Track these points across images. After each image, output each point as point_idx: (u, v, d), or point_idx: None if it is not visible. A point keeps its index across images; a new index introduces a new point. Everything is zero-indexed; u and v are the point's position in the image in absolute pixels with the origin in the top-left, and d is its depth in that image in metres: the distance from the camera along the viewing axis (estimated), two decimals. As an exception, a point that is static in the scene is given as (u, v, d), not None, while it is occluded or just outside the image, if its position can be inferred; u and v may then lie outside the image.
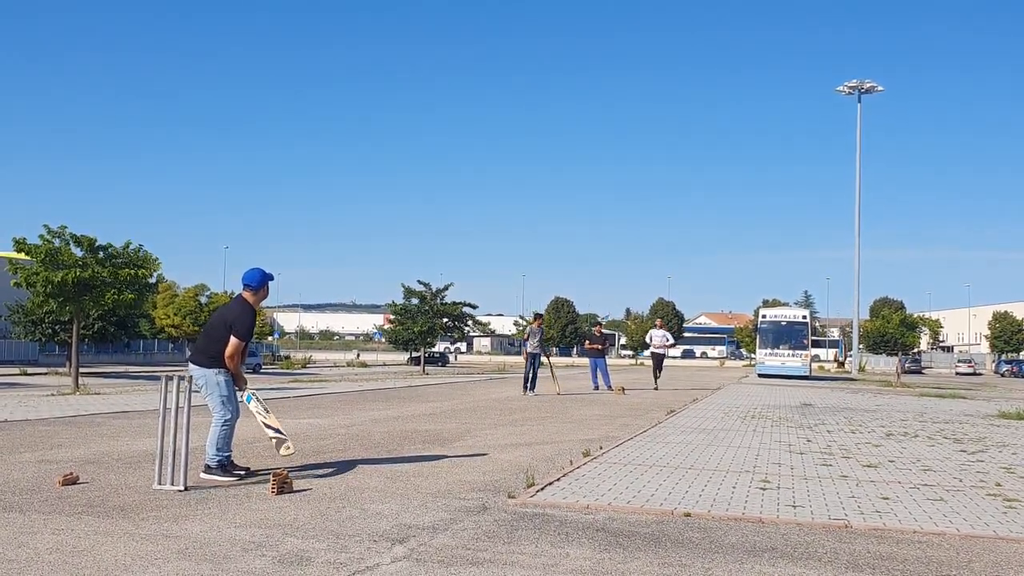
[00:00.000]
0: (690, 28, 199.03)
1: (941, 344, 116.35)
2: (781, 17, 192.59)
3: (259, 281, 7.23)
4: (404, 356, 70.96)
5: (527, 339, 19.73)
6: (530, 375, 19.41)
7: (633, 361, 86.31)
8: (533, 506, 6.09)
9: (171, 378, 6.72)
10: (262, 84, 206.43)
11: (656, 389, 22.60)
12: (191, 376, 6.99)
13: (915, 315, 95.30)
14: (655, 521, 5.72)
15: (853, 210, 56.18)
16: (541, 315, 20.71)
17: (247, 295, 7.18)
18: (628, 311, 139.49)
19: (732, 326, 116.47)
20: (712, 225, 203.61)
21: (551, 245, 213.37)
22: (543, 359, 19.93)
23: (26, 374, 36.18)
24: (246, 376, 7.37)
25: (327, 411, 14.24)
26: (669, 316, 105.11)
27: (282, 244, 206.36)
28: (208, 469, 7.01)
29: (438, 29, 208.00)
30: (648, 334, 25.07)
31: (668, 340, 24.25)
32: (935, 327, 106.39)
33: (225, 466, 7.03)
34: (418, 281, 47.96)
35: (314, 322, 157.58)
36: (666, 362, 25.64)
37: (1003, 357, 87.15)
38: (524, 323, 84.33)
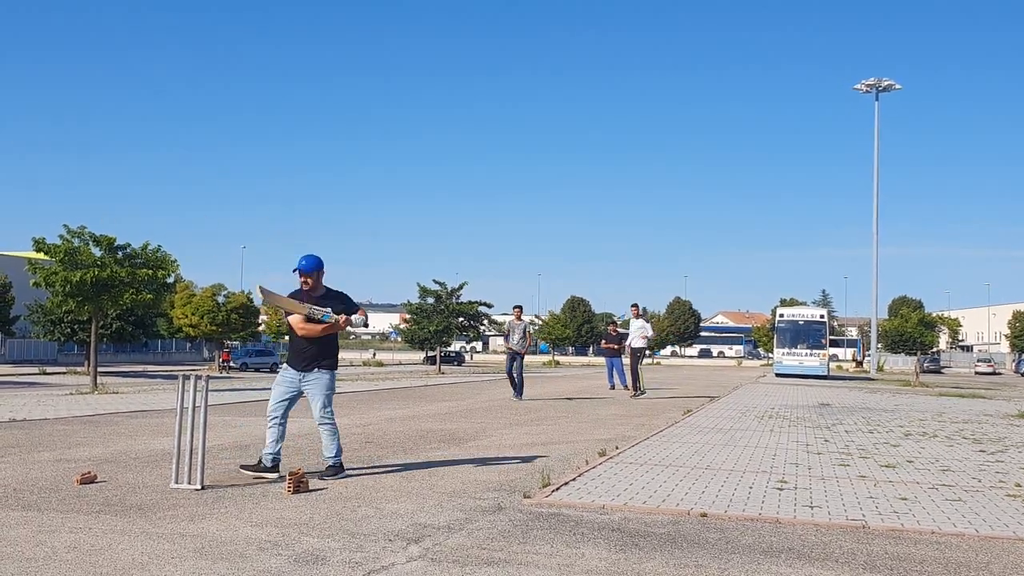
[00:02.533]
0: (707, 26, 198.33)
1: (960, 343, 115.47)
2: (799, 15, 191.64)
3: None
4: (420, 355, 71.18)
5: (509, 334, 17.49)
6: (515, 377, 17.23)
7: (649, 360, 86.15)
8: (548, 506, 6.08)
9: (188, 377, 6.76)
10: (279, 83, 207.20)
11: (640, 393, 19.02)
12: (207, 376, 7.03)
13: (934, 314, 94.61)
14: (671, 521, 5.70)
15: (871, 208, 56.02)
16: (520, 307, 18.09)
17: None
18: (644, 310, 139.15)
19: (749, 325, 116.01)
20: (729, 224, 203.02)
21: (567, 244, 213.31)
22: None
23: (45, 373, 36.49)
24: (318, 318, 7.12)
25: (343, 410, 14.28)
26: (686, 315, 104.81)
27: (299, 244, 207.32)
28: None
29: (458, 27, 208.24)
30: (629, 325, 20.28)
31: (647, 332, 19.65)
32: (954, 326, 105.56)
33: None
34: (434, 280, 48.03)
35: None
36: (683, 361, 23.21)
37: (1023, 356, 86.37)
38: (540, 322, 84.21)
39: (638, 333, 19.32)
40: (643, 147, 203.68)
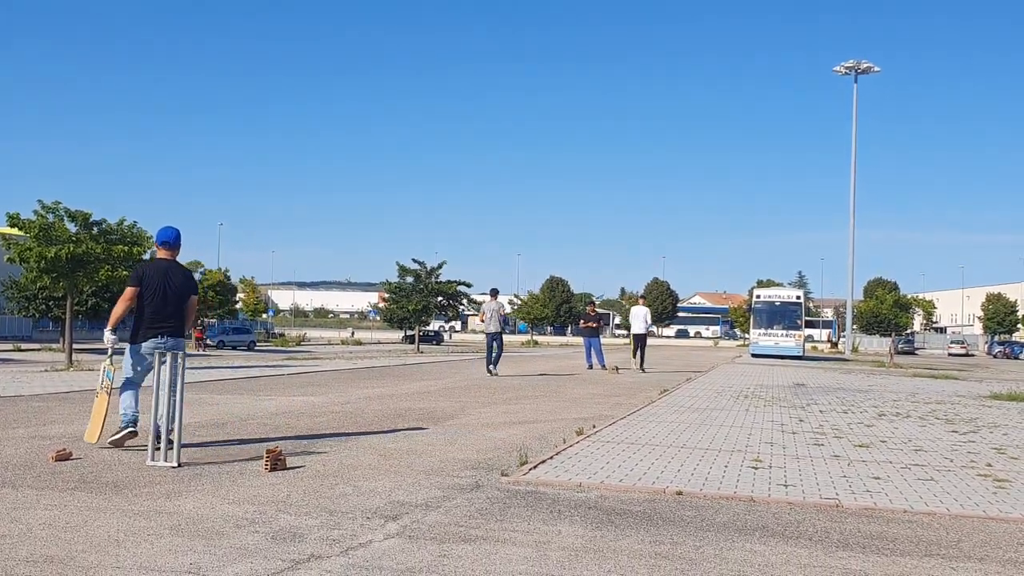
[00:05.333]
0: (686, 11, 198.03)
1: (934, 325, 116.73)
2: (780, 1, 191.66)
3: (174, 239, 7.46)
4: (399, 334, 71.03)
5: (486, 318, 18.84)
6: (493, 355, 18.71)
7: (627, 341, 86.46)
8: (526, 484, 6.11)
9: (165, 355, 6.71)
10: (258, 64, 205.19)
11: (642, 371, 21.50)
12: (183, 354, 6.99)
13: (909, 296, 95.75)
14: (647, 499, 5.74)
15: (848, 191, 56.27)
16: (497, 290, 19.96)
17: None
18: (623, 290, 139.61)
19: (726, 306, 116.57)
20: (707, 205, 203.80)
21: (546, 224, 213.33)
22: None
23: (20, 350, 36.09)
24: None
25: (321, 389, 14.26)
26: (664, 295, 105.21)
27: (277, 222, 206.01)
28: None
29: (435, 13, 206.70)
30: (630, 312, 23.40)
31: (647, 320, 22.68)
32: (928, 308, 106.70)
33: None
34: (413, 260, 47.95)
35: (309, 300, 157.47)
36: (661, 341, 25.59)
37: (996, 338, 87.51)
38: (519, 302, 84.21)
39: (640, 319, 22.37)
40: (623, 130, 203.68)
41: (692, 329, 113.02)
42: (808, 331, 53.35)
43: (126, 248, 23.16)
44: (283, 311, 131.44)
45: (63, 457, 6.56)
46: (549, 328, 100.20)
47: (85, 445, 7.29)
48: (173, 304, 7.21)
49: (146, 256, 25.26)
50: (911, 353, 71.79)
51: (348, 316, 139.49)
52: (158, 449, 6.51)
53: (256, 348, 48.20)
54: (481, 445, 7.99)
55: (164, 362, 6.76)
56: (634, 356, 22.38)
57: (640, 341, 22.47)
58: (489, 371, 18.64)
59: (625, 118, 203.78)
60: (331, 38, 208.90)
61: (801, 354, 39.09)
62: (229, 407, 10.76)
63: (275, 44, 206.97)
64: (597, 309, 23.59)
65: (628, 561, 4.29)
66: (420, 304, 47.21)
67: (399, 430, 8.96)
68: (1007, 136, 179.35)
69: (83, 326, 50.58)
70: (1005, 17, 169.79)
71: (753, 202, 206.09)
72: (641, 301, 23.97)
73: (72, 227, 22.80)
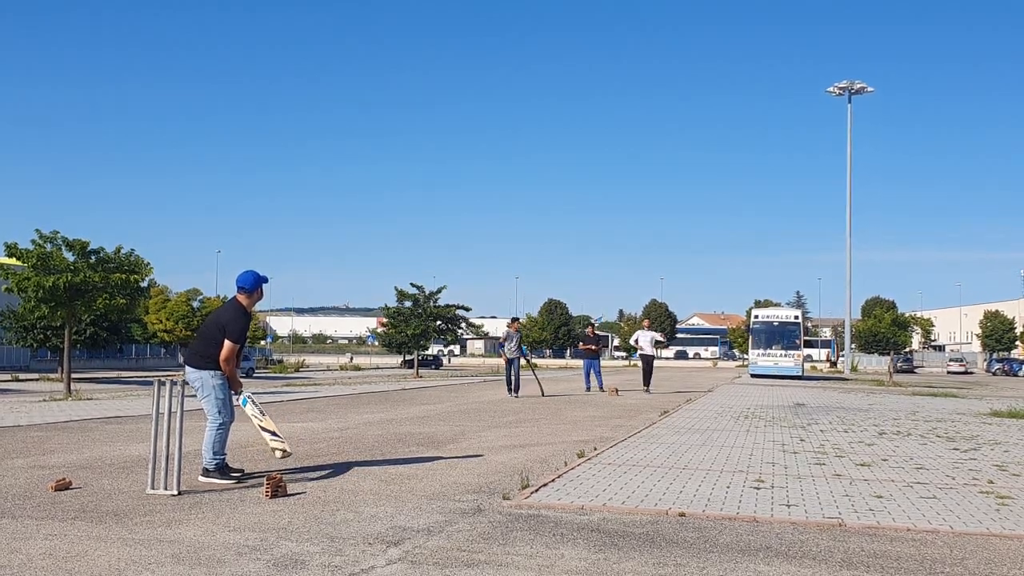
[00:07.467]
0: (683, 29, 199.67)
1: (933, 343, 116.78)
2: (773, 17, 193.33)
3: (252, 283, 7.22)
4: (397, 359, 70.92)
5: (504, 343, 19.86)
6: (512, 377, 19.55)
7: (627, 363, 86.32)
8: (528, 507, 6.09)
9: (164, 383, 6.70)
10: (255, 87, 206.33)
11: (647, 391, 21.67)
12: (185, 379, 6.98)
13: (907, 314, 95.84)
14: (650, 521, 5.72)
15: (845, 210, 56.44)
16: (517, 319, 20.91)
17: (241, 298, 7.18)
18: (621, 312, 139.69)
19: (725, 327, 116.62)
20: (704, 226, 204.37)
21: (544, 247, 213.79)
22: (523, 361, 20.16)
23: (18, 380, 36.02)
24: (240, 380, 7.37)
25: (321, 414, 14.21)
26: (662, 317, 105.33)
27: (275, 247, 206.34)
28: (206, 472, 7.01)
29: (436, 32, 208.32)
30: (634, 336, 23.29)
31: (658, 339, 23.68)
32: (927, 326, 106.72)
33: (222, 469, 7.03)
34: (411, 284, 47.87)
35: (307, 326, 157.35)
36: (659, 363, 25.45)
37: (994, 356, 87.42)
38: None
39: (648, 341, 22.50)
40: (620, 150, 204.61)
41: (691, 350, 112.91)
42: (807, 351, 53.24)
43: (124, 276, 23.18)
44: (281, 337, 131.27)
45: (63, 486, 6.54)
46: (548, 351, 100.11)
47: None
48: (196, 338, 7.31)
49: (144, 284, 25.28)
50: (910, 371, 71.70)
51: (347, 341, 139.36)
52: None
53: (254, 375, 48.08)
54: (482, 469, 7.97)
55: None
56: (645, 379, 22.65)
57: (648, 363, 22.73)
58: (511, 394, 19.30)
59: (619, 137, 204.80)
60: (328, 61, 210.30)
61: (800, 374, 39.02)
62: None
63: (271, 69, 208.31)
64: (596, 331, 23.65)
65: (632, 583, 4.27)
66: (419, 328, 47.16)
67: (400, 455, 8.93)
68: (1004, 153, 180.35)
69: (81, 355, 50.50)
70: (1003, 32, 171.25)
71: (751, 222, 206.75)
72: (646, 324, 24.76)
73: (70, 256, 22.83)
